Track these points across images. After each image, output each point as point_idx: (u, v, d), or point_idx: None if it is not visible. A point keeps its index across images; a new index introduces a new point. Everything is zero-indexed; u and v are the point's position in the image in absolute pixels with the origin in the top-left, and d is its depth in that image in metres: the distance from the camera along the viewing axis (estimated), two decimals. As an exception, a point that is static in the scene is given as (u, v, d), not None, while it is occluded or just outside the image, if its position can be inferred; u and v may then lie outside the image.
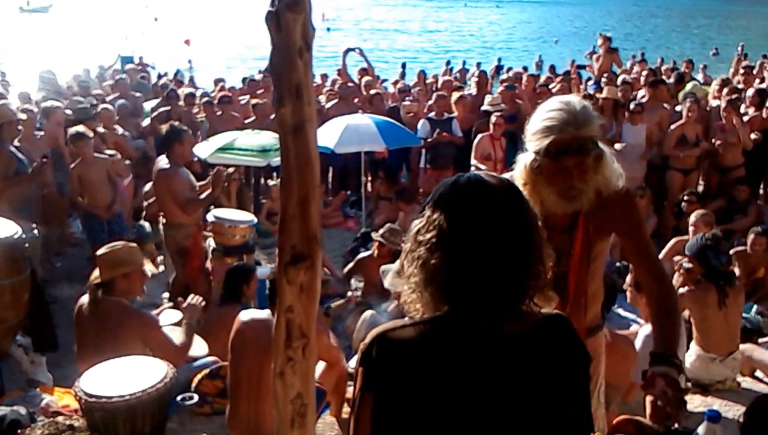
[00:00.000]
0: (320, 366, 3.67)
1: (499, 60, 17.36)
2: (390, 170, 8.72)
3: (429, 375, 1.34)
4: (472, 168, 7.44)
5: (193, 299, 3.92)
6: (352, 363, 3.82)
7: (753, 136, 7.46)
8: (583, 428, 1.42)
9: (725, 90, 8.41)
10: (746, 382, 4.45)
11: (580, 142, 2.08)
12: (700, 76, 12.44)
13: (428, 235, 1.37)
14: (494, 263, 1.33)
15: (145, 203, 7.75)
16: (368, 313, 4.43)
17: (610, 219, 2.24)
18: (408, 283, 1.42)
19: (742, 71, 10.28)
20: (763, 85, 8.83)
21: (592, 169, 2.13)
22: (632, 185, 6.85)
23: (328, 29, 37.08)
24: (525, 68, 14.30)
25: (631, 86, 8.96)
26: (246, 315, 3.44)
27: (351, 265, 6.22)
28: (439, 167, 7.97)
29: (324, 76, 12.75)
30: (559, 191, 2.13)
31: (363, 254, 6.15)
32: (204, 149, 7.41)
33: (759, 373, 4.54)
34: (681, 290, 4.38)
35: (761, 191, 7.86)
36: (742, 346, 4.44)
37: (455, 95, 8.98)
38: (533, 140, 2.14)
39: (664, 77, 10.19)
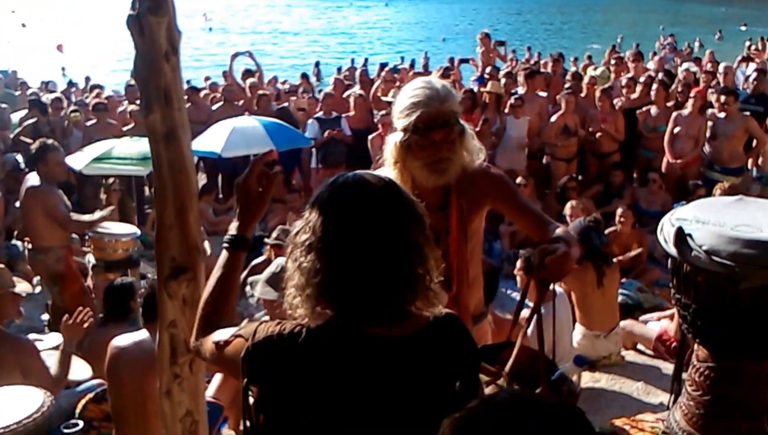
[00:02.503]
0: (217, 379, 3.57)
1: (402, 58, 17.53)
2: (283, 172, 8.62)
3: (315, 384, 1.30)
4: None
5: (76, 317, 3.72)
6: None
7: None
8: None
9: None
10: (630, 356, 4.71)
11: (445, 117, 2.17)
12: (572, 68, 13.09)
13: (307, 238, 1.33)
14: (375, 264, 1.30)
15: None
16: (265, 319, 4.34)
17: (480, 192, 2.33)
18: (290, 287, 1.37)
19: (613, 62, 10.92)
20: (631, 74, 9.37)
21: (458, 141, 2.21)
22: (515, 177, 7.14)
23: (210, 29, 36.21)
24: (412, 66, 14.53)
25: (514, 80, 9.28)
26: (120, 339, 3.31)
27: (245, 273, 6.07)
28: (331, 166, 7.93)
29: (207, 79, 12.40)
30: (428, 165, 2.19)
31: (257, 260, 6.02)
32: (79, 160, 6.98)
33: (641, 346, 4.83)
34: None
35: (634, 175, 8.37)
36: (623, 322, 4.69)
37: (349, 94, 8.97)
38: (401, 118, 2.20)
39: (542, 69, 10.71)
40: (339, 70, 16.06)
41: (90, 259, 5.61)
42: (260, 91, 9.35)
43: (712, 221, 1.96)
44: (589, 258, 4.46)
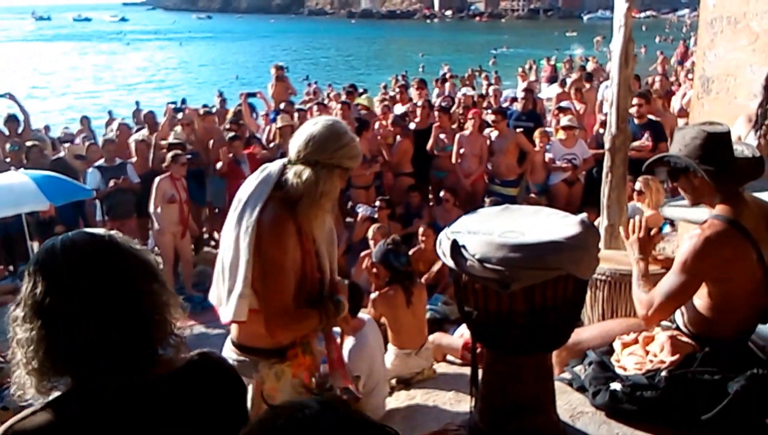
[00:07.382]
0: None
1: (184, 100, 16.96)
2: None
3: None
4: (152, 213, 7.20)
5: None
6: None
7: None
8: None
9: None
10: (441, 368, 4.84)
11: None
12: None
13: (25, 312, 1.23)
14: (108, 324, 1.24)
15: None
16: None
17: None
18: (20, 371, 1.25)
19: (415, 86, 11.61)
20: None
21: None
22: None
23: None
24: (205, 105, 14.15)
25: (307, 112, 9.40)
26: None
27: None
28: (120, 217, 7.42)
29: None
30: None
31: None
32: None
33: (451, 357, 4.98)
34: (373, 295, 4.62)
35: (430, 195, 8.79)
36: (431, 336, 4.83)
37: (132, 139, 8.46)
38: (343, 157, 2.35)
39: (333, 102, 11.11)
40: (110, 114, 15.42)
41: None
42: (30, 142, 8.39)
43: (482, 231, 2.08)
44: (395, 280, 4.56)
